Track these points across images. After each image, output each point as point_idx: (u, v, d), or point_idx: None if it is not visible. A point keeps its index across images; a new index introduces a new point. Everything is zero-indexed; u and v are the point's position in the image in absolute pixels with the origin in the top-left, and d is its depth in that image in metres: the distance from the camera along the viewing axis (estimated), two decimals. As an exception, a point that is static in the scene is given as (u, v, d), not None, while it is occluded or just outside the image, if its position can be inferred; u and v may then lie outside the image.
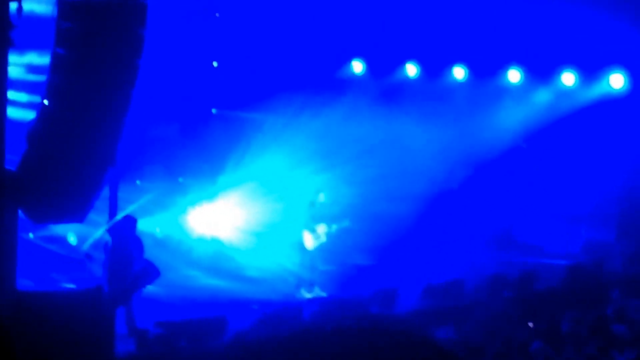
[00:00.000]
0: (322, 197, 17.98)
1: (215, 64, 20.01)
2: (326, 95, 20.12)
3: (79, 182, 11.50)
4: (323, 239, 17.63)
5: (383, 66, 21.23)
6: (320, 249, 17.59)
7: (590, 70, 20.08)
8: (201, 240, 19.17)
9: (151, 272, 13.34)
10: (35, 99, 11.34)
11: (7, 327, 10.81)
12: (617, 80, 19.93)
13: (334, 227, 17.77)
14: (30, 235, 16.40)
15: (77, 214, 12.10)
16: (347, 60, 21.26)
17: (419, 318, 15.78)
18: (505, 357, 13.43)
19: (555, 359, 13.33)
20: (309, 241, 17.57)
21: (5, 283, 11.33)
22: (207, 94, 20.02)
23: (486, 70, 20.68)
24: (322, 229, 17.63)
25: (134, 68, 11.14)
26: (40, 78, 11.26)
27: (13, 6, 10.90)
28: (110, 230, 13.74)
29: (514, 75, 20.66)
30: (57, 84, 10.96)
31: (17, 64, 11.84)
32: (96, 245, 15.84)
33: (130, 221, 13.96)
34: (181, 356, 13.24)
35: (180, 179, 19.68)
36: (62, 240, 17.92)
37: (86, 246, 16.89)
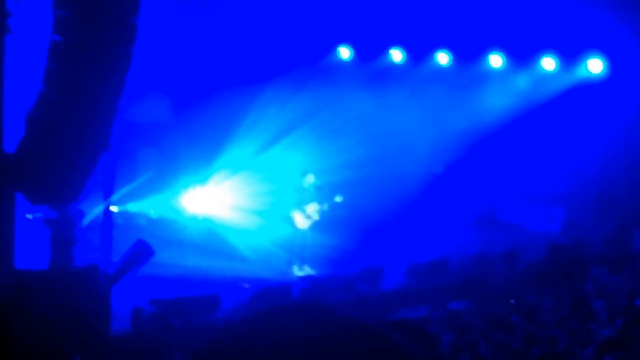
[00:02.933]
0: (311, 178, 18.13)
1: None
2: (315, 80, 20.34)
3: (74, 164, 11.68)
4: (315, 217, 17.73)
5: (369, 52, 21.46)
6: (312, 227, 17.71)
7: (570, 55, 20.27)
8: (194, 220, 19.34)
9: (145, 251, 13.47)
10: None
11: (4, 306, 11.06)
12: (595, 65, 20.13)
13: (326, 205, 17.89)
14: (29, 215, 16.54)
15: (72, 196, 12.28)
16: (335, 46, 21.49)
17: (401, 297, 16.02)
18: (488, 333, 13.67)
19: (536, 334, 13.57)
20: (300, 221, 17.70)
21: (3, 262, 11.52)
22: (198, 78, 20.16)
23: (469, 56, 20.90)
24: (312, 208, 17.75)
25: (127, 55, 11.33)
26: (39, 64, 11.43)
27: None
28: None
29: (496, 60, 20.88)
30: (54, 71, 11.13)
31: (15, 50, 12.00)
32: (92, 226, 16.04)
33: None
34: (175, 333, 13.45)
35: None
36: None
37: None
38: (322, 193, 17.90)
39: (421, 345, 1.75)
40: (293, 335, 1.56)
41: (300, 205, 17.77)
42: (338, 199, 17.96)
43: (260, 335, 1.57)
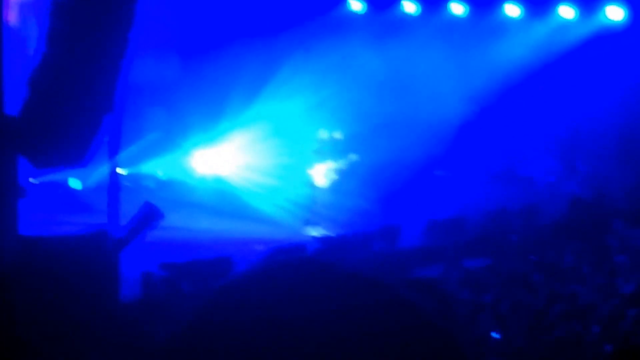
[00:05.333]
0: (324, 134, 17.92)
1: None
2: (324, 34, 20.01)
3: (79, 126, 11.46)
4: (333, 175, 17.57)
5: (382, 3, 21.07)
6: (328, 185, 17.55)
7: (589, 2, 19.88)
8: (204, 180, 19.15)
9: (154, 214, 13.28)
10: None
11: (10, 273, 10.87)
12: (616, 12, 19.74)
13: (342, 162, 17.71)
14: (33, 180, 16.41)
15: (77, 159, 12.09)
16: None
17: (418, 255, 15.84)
18: (508, 291, 13.48)
19: (558, 291, 13.37)
20: (319, 178, 17.51)
21: (8, 229, 11.33)
22: (205, 33, 19.87)
23: (484, 5, 20.51)
24: (330, 165, 17.58)
25: (130, 11, 11.08)
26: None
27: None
28: None
29: (513, 10, 20.49)
30: (56, 31, 10.91)
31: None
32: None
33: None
34: (186, 298, 13.28)
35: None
36: (64, 185, 17.95)
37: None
38: (338, 151, 17.70)
39: (433, 302, 1.65)
40: (295, 291, 1.51)
41: (315, 164, 17.59)
42: (353, 156, 17.75)
43: (261, 292, 1.53)
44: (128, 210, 13.21)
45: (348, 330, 1.48)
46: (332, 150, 17.66)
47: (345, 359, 1.46)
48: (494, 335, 12.06)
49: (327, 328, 1.48)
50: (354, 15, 21.17)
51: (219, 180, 19.21)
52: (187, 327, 1.60)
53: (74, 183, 18.07)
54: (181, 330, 1.61)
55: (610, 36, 19.74)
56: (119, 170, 13.62)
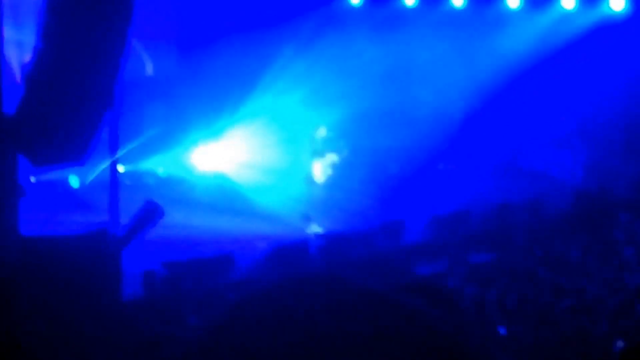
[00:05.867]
0: (322, 131, 17.82)
1: None
2: (324, 27, 19.88)
3: (77, 124, 11.36)
4: (328, 171, 17.50)
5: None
6: (327, 181, 17.46)
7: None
8: (204, 177, 19.05)
9: (155, 212, 13.17)
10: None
11: (11, 273, 10.75)
12: (617, 3, 19.63)
13: (335, 157, 17.63)
14: (32, 179, 16.30)
15: (77, 157, 11.99)
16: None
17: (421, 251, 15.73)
18: (513, 286, 13.40)
19: (564, 286, 13.29)
20: (318, 173, 17.43)
21: (8, 228, 11.22)
22: (203, 27, 19.74)
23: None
24: (326, 161, 17.50)
25: (129, 6, 10.96)
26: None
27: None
28: None
29: (513, 0, 20.36)
30: (51, 25, 10.78)
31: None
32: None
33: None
34: (189, 296, 13.19)
35: None
36: (64, 184, 17.83)
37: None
38: (336, 146, 17.61)
39: (445, 312, 1.66)
40: (308, 308, 1.48)
41: (314, 159, 17.50)
42: (345, 152, 17.67)
43: (274, 309, 1.50)
44: (128, 208, 13.11)
45: (362, 346, 1.47)
46: (331, 145, 17.56)
47: None
48: (500, 330, 11.98)
49: (341, 345, 1.47)
50: (353, 9, 21.02)
51: (219, 176, 19.09)
52: (199, 344, 1.57)
53: (74, 181, 17.95)
54: (195, 347, 1.54)
55: (611, 27, 19.63)
56: (118, 167, 13.50)
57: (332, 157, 17.58)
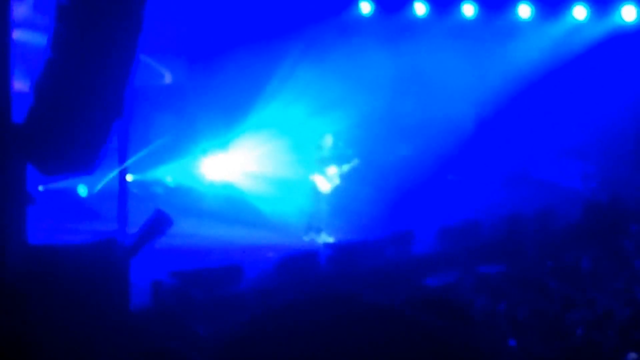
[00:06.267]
0: (329, 140, 17.79)
1: None
2: (334, 37, 19.87)
3: (86, 133, 11.36)
4: (336, 181, 17.44)
5: (391, 6, 20.89)
6: (334, 191, 17.40)
7: (602, 3, 19.69)
8: (213, 187, 19.02)
9: (164, 221, 13.14)
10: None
11: (19, 282, 10.73)
12: (629, 13, 19.53)
13: (345, 167, 17.58)
14: (41, 187, 16.28)
15: (86, 166, 11.98)
16: (356, 1, 20.99)
17: (431, 262, 15.66)
18: (524, 297, 13.33)
19: (575, 298, 13.22)
20: (322, 184, 17.38)
21: (16, 237, 11.20)
22: (213, 37, 19.75)
23: (496, 6, 20.31)
24: (332, 170, 17.43)
25: (139, 14, 10.96)
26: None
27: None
28: None
29: (525, 10, 20.29)
30: (61, 35, 10.79)
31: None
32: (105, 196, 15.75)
33: None
34: (197, 306, 13.14)
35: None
36: (72, 193, 17.82)
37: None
38: (344, 155, 17.56)
39: (457, 324, 1.66)
40: (321, 327, 1.47)
41: (320, 168, 17.45)
42: (355, 162, 17.63)
43: (287, 328, 1.48)
44: (137, 217, 13.09)
45: None
46: (339, 154, 17.51)
47: None
48: (511, 342, 11.90)
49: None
50: (363, 18, 21.01)
51: (228, 186, 19.06)
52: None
53: (82, 190, 17.94)
54: None
55: (624, 37, 19.54)
56: (126, 176, 13.46)
57: (340, 167, 17.51)
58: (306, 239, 17.04)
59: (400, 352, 1.45)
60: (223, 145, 19.30)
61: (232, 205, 18.45)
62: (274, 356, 1.50)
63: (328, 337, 1.47)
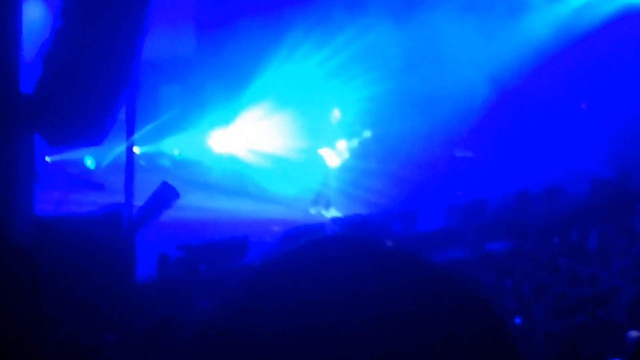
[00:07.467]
0: (337, 113, 17.76)
1: None
2: (345, 10, 19.80)
3: (94, 104, 11.35)
4: (345, 155, 17.41)
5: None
6: (343, 165, 17.38)
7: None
8: (220, 160, 19.00)
9: (170, 194, 13.15)
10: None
11: (27, 252, 10.73)
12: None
13: (354, 141, 17.54)
14: (48, 158, 16.30)
15: (94, 137, 11.99)
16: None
17: (438, 238, 15.63)
18: (531, 274, 13.32)
19: (582, 275, 13.18)
20: (331, 158, 17.35)
21: (24, 207, 11.21)
22: (222, 9, 19.69)
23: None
24: (342, 144, 17.40)
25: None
26: None
27: None
28: None
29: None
30: (70, 3, 10.79)
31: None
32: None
33: None
34: (203, 279, 13.15)
35: None
36: (79, 164, 17.83)
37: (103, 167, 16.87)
38: (353, 130, 17.53)
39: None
40: (337, 269, 1.42)
41: (329, 142, 17.43)
42: (367, 134, 17.58)
43: (300, 272, 1.43)
44: (144, 189, 13.10)
45: (392, 310, 1.41)
46: (347, 129, 17.48)
47: (390, 340, 1.38)
48: (516, 319, 11.89)
49: (371, 309, 1.40)
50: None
51: (235, 160, 19.05)
52: (221, 310, 1.48)
53: (90, 162, 17.94)
54: (216, 314, 1.47)
55: (633, 16, 19.50)
56: (134, 149, 13.46)
57: (348, 141, 17.48)
58: (312, 211, 17.04)
59: (416, 295, 1.44)
60: (230, 118, 19.27)
61: (240, 179, 18.45)
62: (286, 304, 1.45)
63: (337, 282, 1.43)
